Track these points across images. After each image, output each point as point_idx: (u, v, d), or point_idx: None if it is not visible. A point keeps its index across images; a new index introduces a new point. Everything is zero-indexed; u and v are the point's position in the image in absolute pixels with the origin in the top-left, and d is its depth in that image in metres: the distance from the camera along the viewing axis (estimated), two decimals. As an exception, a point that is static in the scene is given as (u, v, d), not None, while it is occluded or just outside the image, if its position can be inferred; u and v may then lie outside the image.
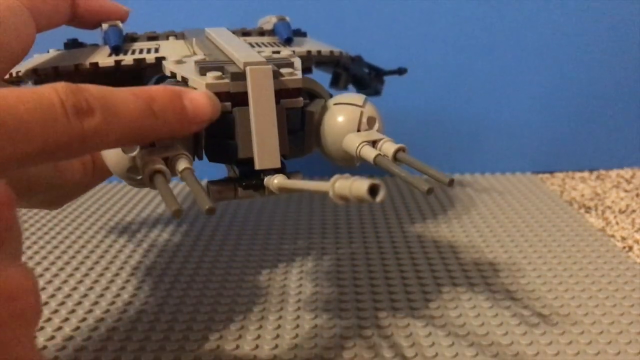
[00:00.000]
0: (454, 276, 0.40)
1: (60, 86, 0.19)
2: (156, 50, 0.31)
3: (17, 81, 0.32)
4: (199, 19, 0.38)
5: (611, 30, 0.63)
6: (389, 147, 0.26)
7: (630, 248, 0.45)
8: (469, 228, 0.49)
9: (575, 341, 0.32)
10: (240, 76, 0.25)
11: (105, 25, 0.32)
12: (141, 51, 0.31)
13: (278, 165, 0.25)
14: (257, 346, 0.32)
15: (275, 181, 0.25)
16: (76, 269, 0.42)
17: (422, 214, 0.53)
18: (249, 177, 0.26)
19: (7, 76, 0.31)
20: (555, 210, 0.53)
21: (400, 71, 0.46)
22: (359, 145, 0.26)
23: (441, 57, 0.63)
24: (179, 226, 0.50)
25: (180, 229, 0.50)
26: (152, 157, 0.23)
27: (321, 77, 0.39)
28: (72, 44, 0.33)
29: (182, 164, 0.23)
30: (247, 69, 0.25)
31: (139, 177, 0.24)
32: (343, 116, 0.28)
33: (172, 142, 0.24)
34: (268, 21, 0.36)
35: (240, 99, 0.25)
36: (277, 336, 0.33)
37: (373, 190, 0.18)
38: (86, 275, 0.41)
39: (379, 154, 0.26)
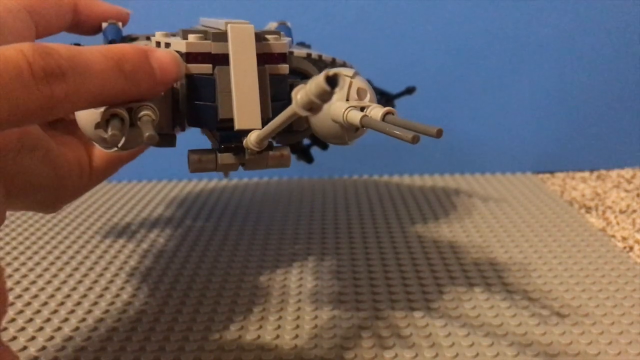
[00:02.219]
0: (454, 276, 0.40)
1: (27, 47, 0.18)
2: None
3: None
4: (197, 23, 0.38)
5: (611, 31, 0.63)
6: (377, 111, 0.25)
7: (631, 248, 0.45)
8: (470, 228, 0.49)
9: (576, 341, 0.32)
10: (222, 37, 0.25)
11: (104, 24, 0.33)
12: None
13: (259, 126, 0.24)
14: (257, 347, 0.32)
15: (252, 137, 0.24)
16: (75, 269, 0.42)
17: (423, 213, 0.53)
18: (229, 141, 0.26)
19: None
20: (556, 210, 0.53)
21: (409, 90, 0.46)
22: (345, 110, 0.25)
23: (441, 58, 0.63)
24: (179, 226, 0.50)
25: (180, 229, 0.50)
26: (116, 107, 0.22)
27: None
28: None
29: (143, 111, 0.22)
30: (229, 26, 0.24)
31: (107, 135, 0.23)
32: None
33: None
34: (269, 27, 0.36)
35: (221, 62, 0.25)
36: (277, 337, 0.33)
37: (330, 81, 0.17)
38: (85, 275, 0.41)
39: (365, 115, 0.25)
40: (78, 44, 0.34)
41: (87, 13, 0.32)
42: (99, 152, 0.30)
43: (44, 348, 0.32)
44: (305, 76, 0.29)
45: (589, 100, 0.64)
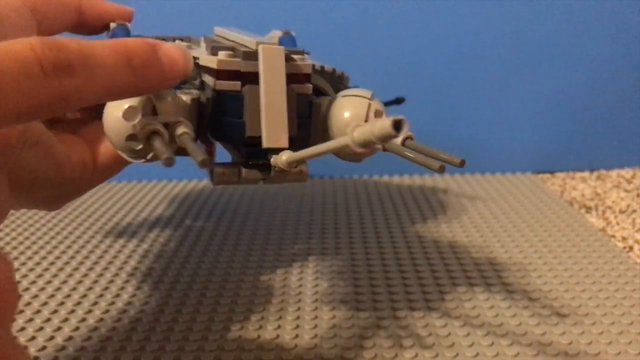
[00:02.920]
0: (453, 276, 0.40)
1: (36, 41, 0.18)
2: None
3: None
4: (202, 31, 0.38)
5: (611, 30, 0.63)
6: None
7: (631, 248, 0.45)
8: (469, 228, 0.49)
9: (576, 341, 0.32)
10: (252, 55, 0.25)
11: (113, 24, 0.33)
12: None
13: (286, 145, 0.25)
14: (257, 347, 0.32)
15: (284, 157, 0.24)
16: (75, 269, 0.42)
17: (422, 213, 0.53)
18: (255, 158, 0.26)
19: None
20: (556, 210, 0.53)
21: (398, 101, 0.47)
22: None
23: (441, 58, 0.63)
24: (179, 226, 0.50)
25: (180, 229, 0.50)
26: (153, 122, 0.23)
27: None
28: None
29: (181, 129, 0.23)
30: (260, 47, 0.25)
31: (139, 147, 0.24)
32: (350, 107, 0.28)
33: (174, 114, 0.24)
34: (273, 36, 0.36)
35: (249, 79, 0.25)
36: (277, 336, 0.33)
37: (397, 125, 0.18)
38: (85, 275, 0.41)
39: (390, 143, 0.25)
40: None
41: (91, 13, 0.32)
42: (104, 150, 0.29)
43: (44, 348, 0.32)
44: (319, 92, 0.29)
45: (589, 101, 0.65)
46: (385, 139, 0.18)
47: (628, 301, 0.36)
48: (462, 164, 0.24)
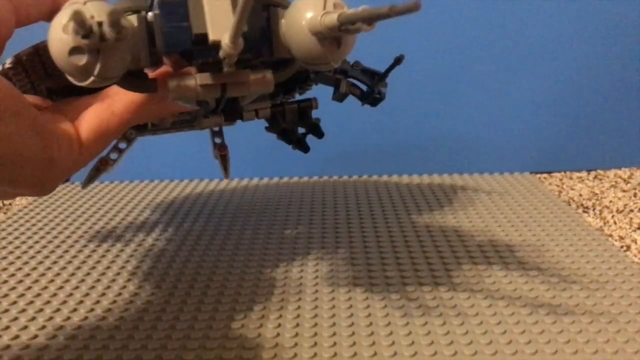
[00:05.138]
0: (452, 275, 0.40)
1: None
2: None
3: (3, 74, 0.31)
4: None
5: (609, 31, 0.63)
6: (354, 10, 0.23)
7: (628, 247, 0.45)
8: (468, 227, 0.49)
9: (574, 340, 0.33)
10: None
11: None
12: None
13: (232, 39, 0.23)
14: (258, 345, 0.33)
15: (225, 39, 0.23)
16: (78, 268, 0.43)
17: (421, 214, 0.53)
18: (205, 57, 0.25)
19: None
20: (554, 210, 0.53)
21: (398, 60, 0.45)
22: (322, 16, 0.24)
23: (440, 58, 0.63)
24: (181, 225, 0.51)
25: (182, 228, 0.50)
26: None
27: (322, 92, 0.39)
28: None
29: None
30: None
31: (84, 61, 0.22)
32: (308, 3, 0.25)
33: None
34: None
35: None
36: (277, 335, 0.34)
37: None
38: (88, 274, 0.42)
39: (342, 12, 0.23)
40: None
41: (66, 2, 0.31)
42: (86, 125, 0.28)
43: (46, 347, 0.33)
44: (275, 6, 0.27)
45: (586, 101, 0.65)
46: (376, 18, 0.17)
47: (625, 300, 0.37)
48: (416, 6, 0.19)
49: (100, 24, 0.21)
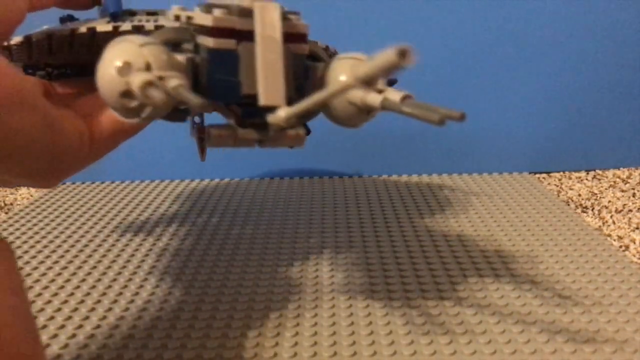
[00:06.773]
0: (451, 274, 0.41)
1: None
2: (155, 21, 0.30)
3: (7, 48, 0.31)
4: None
5: (608, 31, 0.63)
6: (395, 94, 0.25)
7: (627, 247, 0.45)
8: (467, 227, 0.50)
9: (572, 339, 0.33)
10: (247, 12, 0.24)
11: None
12: (140, 20, 0.31)
13: (283, 103, 0.24)
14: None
15: (282, 113, 0.23)
16: (79, 267, 0.43)
17: (421, 213, 0.53)
18: (251, 117, 0.26)
19: None
20: (553, 209, 0.53)
21: (390, 83, 0.46)
22: (364, 93, 0.25)
23: (439, 57, 0.63)
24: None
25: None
26: (148, 75, 0.22)
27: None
28: (68, 19, 0.32)
29: (174, 81, 0.22)
30: (255, 4, 0.24)
31: (133, 104, 0.23)
32: (346, 67, 0.26)
33: (168, 69, 0.23)
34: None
35: (245, 37, 0.25)
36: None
37: (402, 53, 0.17)
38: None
39: (386, 98, 0.24)
40: (71, 16, 0.32)
41: None
42: (100, 123, 0.28)
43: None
44: (315, 59, 0.29)
45: (585, 101, 0.65)
46: (389, 68, 0.17)
47: (624, 299, 0.37)
48: (462, 117, 0.21)
49: (150, 83, 0.22)
